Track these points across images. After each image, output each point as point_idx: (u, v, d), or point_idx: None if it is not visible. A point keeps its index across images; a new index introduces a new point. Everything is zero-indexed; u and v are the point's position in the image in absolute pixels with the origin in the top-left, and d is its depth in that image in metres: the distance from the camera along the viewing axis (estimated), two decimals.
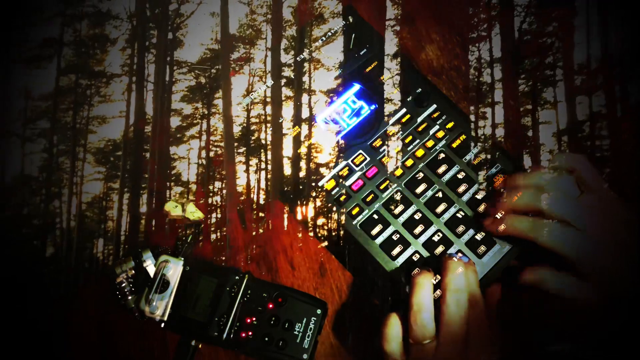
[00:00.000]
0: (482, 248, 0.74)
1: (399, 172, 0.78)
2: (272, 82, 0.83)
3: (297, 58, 0.83)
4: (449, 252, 0.73)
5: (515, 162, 0.78)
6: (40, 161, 0.92)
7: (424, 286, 0.67)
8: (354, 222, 0.75)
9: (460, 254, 0.70)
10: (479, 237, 0.74)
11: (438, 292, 0.70)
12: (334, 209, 0.75)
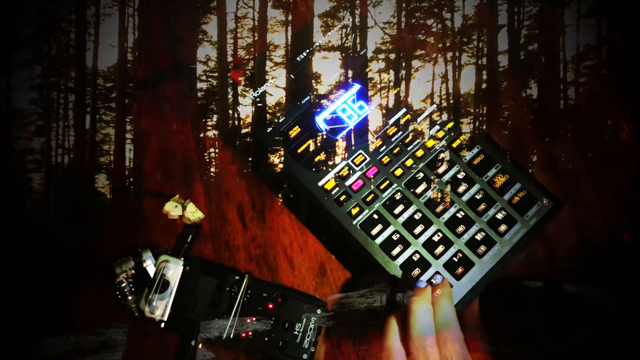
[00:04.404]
0: (482, 248, 0.74)
1: (399, 172, 0.78)
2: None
3: (297, 58, 0.83)
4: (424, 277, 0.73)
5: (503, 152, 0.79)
6: (27, 93, 0.88)
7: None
8: (354, 222, 0.75)
9: (438, 276, 0.71)
10: (479, 237, 0.74)
11: (439, 291, 0.70)
12: None
